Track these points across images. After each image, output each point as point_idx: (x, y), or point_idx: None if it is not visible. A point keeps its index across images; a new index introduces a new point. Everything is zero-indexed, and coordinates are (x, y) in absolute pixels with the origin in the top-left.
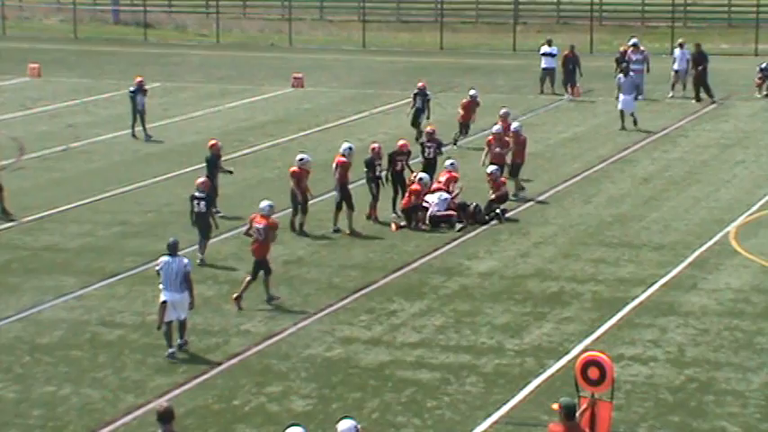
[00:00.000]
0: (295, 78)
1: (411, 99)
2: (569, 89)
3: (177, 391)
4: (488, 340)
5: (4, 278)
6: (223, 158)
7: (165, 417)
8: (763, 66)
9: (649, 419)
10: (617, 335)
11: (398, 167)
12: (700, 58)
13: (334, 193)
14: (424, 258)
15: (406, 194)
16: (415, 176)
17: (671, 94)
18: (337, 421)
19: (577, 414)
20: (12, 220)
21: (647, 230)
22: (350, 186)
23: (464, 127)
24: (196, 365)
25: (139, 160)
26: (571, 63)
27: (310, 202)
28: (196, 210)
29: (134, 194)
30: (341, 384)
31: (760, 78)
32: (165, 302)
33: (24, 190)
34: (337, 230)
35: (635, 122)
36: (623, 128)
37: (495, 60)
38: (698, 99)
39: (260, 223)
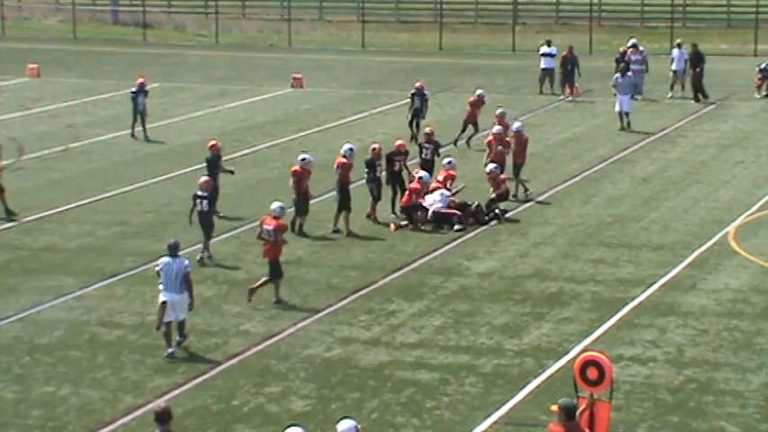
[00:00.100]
0: (294, 79)
1: (409, 100)
2: (568, 90)
3: (176, 392)
4: (487, 340)
5: (4, 278)
6: (223, 159)
7: (163, 417)
8: (763, 66)
9: (648, 420)
10: (616, 335)
11: (396, 168)
12: (697, 59)
13: (334, 193)
14: (423, 259)
15: (406, 193)
16: (416, 173)
17: (670, 95)
18: (337, 421)
19: (576, 414)
20: (13, 220)
21: (646, 231)
22: (350, 187)
23: (473, 125)
24: (195, 366)
25: (139, 160)
26: (570, 63)
27: (310, 203)
28: (198, 208)
29: (133, 195)
30: (340, 385)
31: (760, 79)
32: (164, 303)
33: (24, 190)
34: (337, 231)
35: (628, 124)
36: (623, 128)
37: (495, 61)
38: (697, 99)
39: (269, 225)
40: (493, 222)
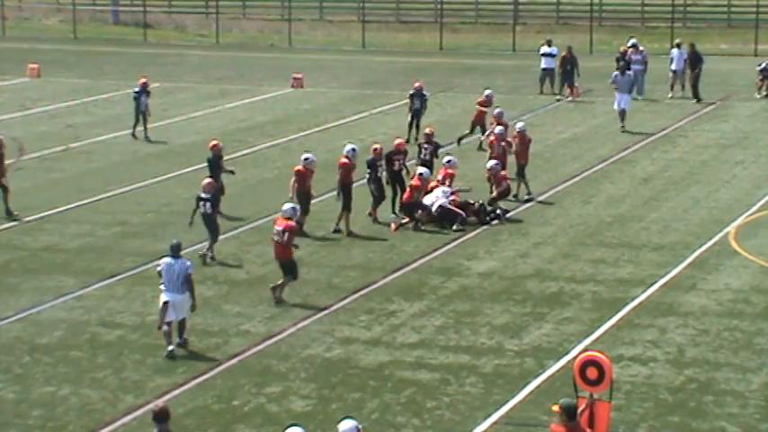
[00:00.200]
0: (294, 79)
1: (408, 100)
2: (568, 90)
3: (177, 392)
4: (488, 341)
5: (4, 278)
6: (224, 159)
7: (161, 417)
8: (762, 66)
9: (649, 420)
10: (616, 335)
11: (396, 167)
12: (695, 59)
13: (334, 193)
14: (423, 259)
15: (407, 190)
16: (416, 170)
17: (670, 95)
18: (338, 421)
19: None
20: (15, 220)
21: (646, 231)
22: (352, 187)
23: (481, 126)
24: (196, 366)
25: (139, 160)
26: (569, 64)
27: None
28: (202, 210)
29: (134, 195)
30: (340, 385)
31: (761, 80)
32: (166, 303)
33: (24, 190)
34: (338, 231)
35: (623, 123)
36: (622, 128)
37: (495, 61)
38: (698, 99)
39: (279, 225)
40: (494, 222)
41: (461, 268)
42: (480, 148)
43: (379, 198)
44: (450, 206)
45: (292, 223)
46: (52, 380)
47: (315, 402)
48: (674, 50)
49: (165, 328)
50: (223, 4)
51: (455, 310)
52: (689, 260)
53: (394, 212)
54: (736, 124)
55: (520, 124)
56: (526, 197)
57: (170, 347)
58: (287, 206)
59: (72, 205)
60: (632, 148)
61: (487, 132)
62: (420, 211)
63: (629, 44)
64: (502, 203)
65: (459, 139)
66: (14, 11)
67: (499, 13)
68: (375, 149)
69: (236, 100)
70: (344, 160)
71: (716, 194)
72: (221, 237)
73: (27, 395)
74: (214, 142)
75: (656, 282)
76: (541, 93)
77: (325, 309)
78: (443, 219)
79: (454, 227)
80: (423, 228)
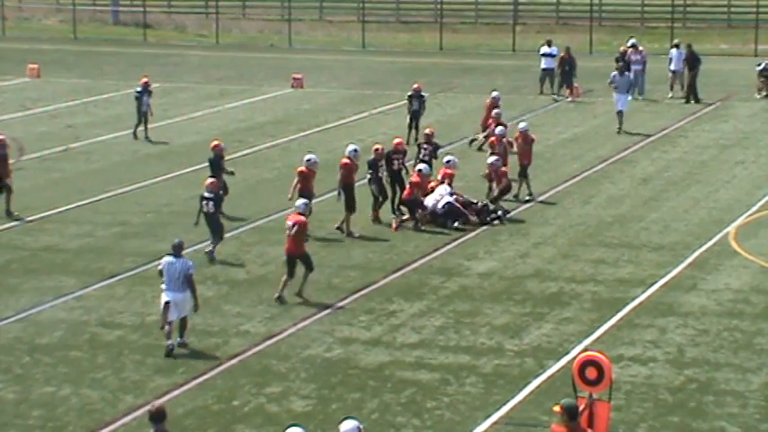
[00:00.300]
0: (294, 79)
1: (407, 101)
2: (567, 90)
3: (177, 392)
4: (488, 341)
5: (4, 278)
6: (225, 159)
7: (157, 417)
8: (762, 66)
9: (649, 420)
10: (616, 335)
11: (395, 166)
12: (692, 60)
13: (335, 193)
14: (423, 259)
15: (407, 187)
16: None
17: (670, 95)
18: (340, 421)
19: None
20: (17, 220)
21: (646, 231)
22: (354, 188)
23: (483, 128)
24: (196, 366)
25: (139, 161)
26: (567, 65)
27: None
28: (205, 210)
29: (134, 195)
30: (340, 385)
31: (762, 82)
32: (167, 303)
33: (24, 190)
34: (340, 229)
35: (620, 124)
36: (621, 129)
37: (495, 61)
38: (692, 101)
39: (290, 220)
40: (494, 222)
41: (461, 268)
42: (480, 149)
43: (381, 198)
44: (457, 204)
45: (302, 218)
46: (52, 380)
47: (315, 402)
48: (673, 50)
49: (167, 327)
50: (223, 5)
51: (455, 311)
52: (689, 260)
53: (394, 212)
54: (736, 124)
55: (522, 124)
56: (527, 197)
57: (169, 341)
58: (299, 201)
59: (72, 205)
60: (632, 148)
61: (486, 133)
62: (420, 211)
63: (629, 44)
64: (503, 203)
65: (471, 141)
66: (14, 11)
67: (499, 13)
68: (376, 150)
69: (236, 100)
70: (346, 161)
71: (716, 194)
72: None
73: (27, 395)
74: (216, 142)
75: (656, 282)
76: (541, 93)
77: (325, 309)
78: (448, 217)
79: (456, 224)
80: (423, 228)
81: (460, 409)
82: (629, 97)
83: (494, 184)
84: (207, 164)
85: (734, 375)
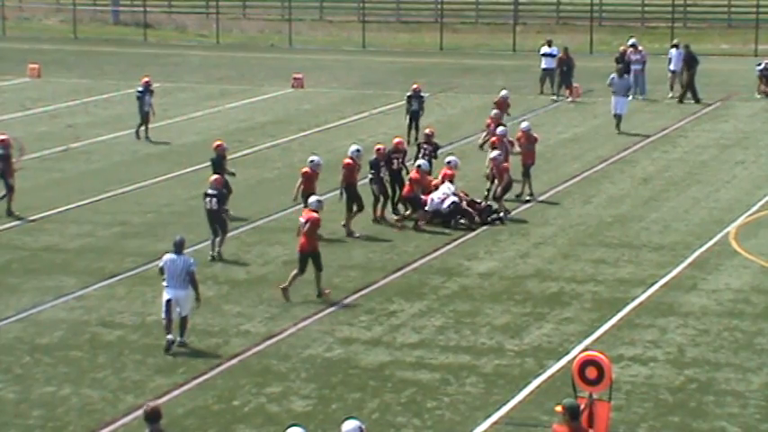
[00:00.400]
0: (295, 79)
1: (405, 102)
2: (567, 91)
3: (177, 392)
4: (488, 341)
5: (4, 278)
6: (227, 159)
7: (153, 417)
8: (762, 66)
9: (649, 420)
10: (617, 335)
11: (395, 166)
12: (690, 60)
13: (337, 194)
14: (423, 259)
15: (407, 183)
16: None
17: (670, 95)
18: (342, 421)
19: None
20: (20, 219)
21: (646, 231)
22: (357, 187)
23: (497, 126)
24: (196, 366)
25: (139, 161)
26: (565, 65)
27: None
28: (208, 207)
29: (134, 195)
30: (341, 385)
31: (762, 81)
32: (169, 301)
33: (24, 190)
34: (345, 225)
35: (618, 126)
36: (618, 128)
37: (495, 61)
38: (697, 100)
39: (304, 217)
40: (496, 222)
41: (461, 268)
42: (481, 148)
43: (382, 198)
44: (463, 204)
45: (316, 215)
46: (52, 380)
47: (315, 402)
48: (673, 50)
49: (165, 322)
50: (223, 5)
51: (455, 311)
52: (689, 260)
53: (394, 211)
54: (736, 124)
55: (525, 124)
56: (527, 197)
57: (169, 336)
58: (312, 198)
59: (72, 205)
60: (632, 148)
61: (486, 133)
62: (421, 211)
63: (629, 44)
64: (506, 203)
65: (482, 145)
66: (14, 11)
67: (499, 13)
68: (378, 150)
69: (236, 100)
70: (349, 161)
71: (716, 194)
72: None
73: (27, 395)
74: (218, 143)
75: (656, 282)
76: (542, 93)
77: (325, 309)
78: (453, 216)
79: (462, 221)
80: (423, 228)
81: (461, 409)
82: (629, 99)
83: (494, 183)
84: (207, 164)
85: (734, 375)
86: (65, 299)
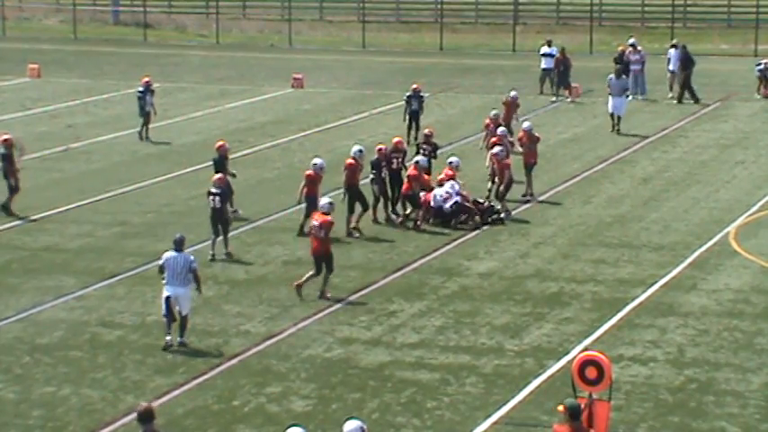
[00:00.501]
0: (295, 79)
1: (405, 102)
2: (566, 92)
3: (177, 392)
4: (488, 341)
5: (4, 278)
6: (229, 159)
7: (146, 417)
8: (762, 67)
9: (649, 420)
10: (617, 335)
11: (395, 166)
12: (686, 61)
13: (336, 193)
14: (423, 259)
15: (405, 181)
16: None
17: (670, 95)
18: (344, 422)
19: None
20: (21, 218)
21: (646, 231)
22: (359, 188)
23: (507, 128)
24: (196, 366)
25: (139, 161)
26: (562, 66)
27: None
28: (211, 205)
29: (134, 195)
30: (340, 385)
31: (765, 86)
32: (168, 298)
33: (24, 190)
34: (357, 229)
35: (618, 127)
36: (614, 129)
37: (495, 61)
38: (696, 100)
39: (317, 221)
40: (496, 222)
41: (461, 268)
42: (483, 148)
43: (383, 199)
44: (465, 203)
45: (329, 218)
46: (52, 380)
47: (315, 402)
48: (672, 51)
49: (165, 320)
50: (223, 5)
51: (455, 311)
52: (689, 260)
53: (394, 211)
54: (736, 124)
55: (526, 123)
56: (527, 197)
57: (168, 338)
58: (324, 201)
59: (72, 205)
60: (632, 148)
61: (486, 133)
62: (420, 212)
63: (628, 44)
64: (507, 204)
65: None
66: (14, 11)
67: (499, 13)
68: (380, 150)
69: (236, 100)
70: (351, 161)
71: (716, 194)
72: (222, 237)
73: (27, 395)
74: (220, 143)
75: (656, 282)
76: (541, 93)
77: (325, 309)
78: (454, 215)
79: (462, 218)
80: (423, 228)
81: (460, 409)
82: (629, 99)
83: (495, 182)
84: (207, 164)
85: (734, 375)
86: (65, 299)
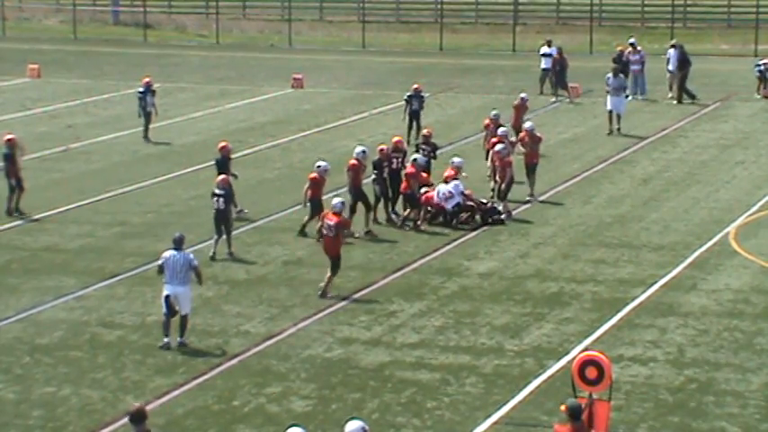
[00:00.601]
0: (295, 79)
1: (405, 102)
2: (566, 92)
3: (177, 392)
4: (488, 341)
5: (4, 278)
6: (231, 160)
7: (137, 417)
8: (762, 67)
9: (649, 420)
10: (617, 335)
11: (394, 165)
12: (683, 61)
13: (336, 194)
14: (423, 259)
15: (404, 179)
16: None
17: (670, 95)
18: (345, 422)
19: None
20: (23, 218)
21: (646, 231)
22: (363, 188)
23: (517, 130)
24: (196, 366)
25: (139, 161)
26: (558, 66)
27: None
28: (215, 206)
29: (134, 195)
30: (340, 385)
31: (765, 87)
32: (168, 297)
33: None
34: (368, 232)
35: (619, 128)
36: (611, 131)
37: (495, 61)
38: (692, 97)
39: (331, 220)
40: (496, 222)
41: (461, 268)
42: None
43: (383, 199)
44: (467, 203)
45: (342, 218)
46: (52, 380)
47: (315, 403)
48: (671, 51)
49: (164, 319)
50: (223, 5)
51: (455, 311)
52: (689, 260)
53: (394, 211)
54: (736, 124)
55: (528, 123)
56: (528, 197)
57: (165, 339)
58: (336, 201)
59: (72, 205)
60: (632, 148)
61: (486, 134)
62: (418, 211)
63: (629, 43)
64: (509, 204)
65: (513, 145)
66: (14, 11)
67: (499, 13)
68: (381, 150)
69: (236, 100)
70: (354, 162)
71: (716, 194)
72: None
73: (27, 395)
74: (223, 143)
75: (656, 282)
76: (541, 93)
77: (325, 309)
78: (455, 216)
79: (463, 216)
80: (423, 228)
81: (460, 409)
82: (629, 99)
83: (497, 181)
84: (207, 164)
85: (734, 375)
86: (65, 299)
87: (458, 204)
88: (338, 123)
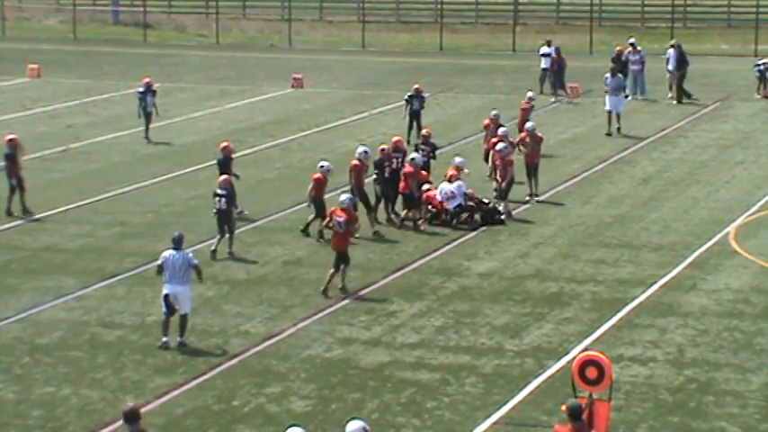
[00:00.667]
0: (294, 79)
1: (405, 102)
2: (564, 92)
3: (177, 392)
4: (488, 341)
5: (4, 278)
6: (233, 160)
7: (131, 417)
8: (762, 67)
9: (649, 420)
10: (616, 335)
11: (394, 165)
12: (680, 61)
13: (336, 194)
14: (423, 259)
15: (402, 179)
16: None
17: (670, 95)
18: (346, 422)
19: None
20: (24, 216)
21: (646, 231)
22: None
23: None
24: (196, 366)
25: (139, 161)
26: (556, 65)
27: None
28: (217, 206)
29: (134, 195)
30: (340, 385)
31: (765, 87)
32: (167, 296)
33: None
34: (377, 233)
35: (618, 129)
36: (609, 132)
37: (495, 61)
38: (688, 96)
39: (340, 216)
40: (496, 222)
41: (461, 268)
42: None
43: (380, 199)
44: (468, 203)
45: (351, 213)
46: (52, 380)
47: (315, 403)
48: (671, 50)
49: (163, 318)
50: (223, 5)
51: (455, 311)
52: (689, 260)
53: (394, 211)
54: (736, 124)
55: (530, 124)
56: (527, 197)
57: (165, 338)
58: (344, 197)
59: (72, 205)
60: (632, 148)
61: (486, 134)
62: (417, 211)
63: (629, 43)
64: (510, 204)
65: (516, 145)
66: (14, 11)
67: (499, 13)
68: (382, 150)
69: (236, 100)
70: (357, 162)
71: (716, 194)
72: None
73: (27, 395)
74: (225, 144)
75: (656, 282)
76: (541, 93)
77: (325, 309)
78: (455, 216)
79: (463, 215)
80: (423, 228)
81: (460, 409)
82: (628, 99)
83: (498, 180)
84: (207, 164)
85: (734, 375)
86: (64, 299)
87: (459, 205)
88: (338, 123)
